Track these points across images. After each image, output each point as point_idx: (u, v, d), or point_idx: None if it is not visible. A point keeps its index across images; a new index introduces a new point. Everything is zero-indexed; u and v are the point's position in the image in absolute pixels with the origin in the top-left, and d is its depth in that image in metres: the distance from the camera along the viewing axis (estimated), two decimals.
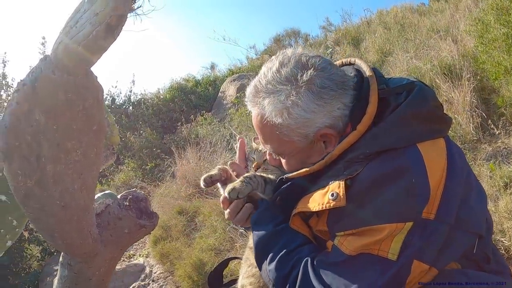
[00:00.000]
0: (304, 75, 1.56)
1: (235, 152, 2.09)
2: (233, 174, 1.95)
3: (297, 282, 1.50)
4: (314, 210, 1.53)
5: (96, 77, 1.46)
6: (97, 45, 1.26)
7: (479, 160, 5.00)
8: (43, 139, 1.37)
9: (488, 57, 6.02)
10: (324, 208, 1.49)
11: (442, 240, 1.40)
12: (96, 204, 1.96)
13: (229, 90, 14.40)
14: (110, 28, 1.19)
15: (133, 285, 6.59)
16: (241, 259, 2.58)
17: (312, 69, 1.57)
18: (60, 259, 2.04)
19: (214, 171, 1.98)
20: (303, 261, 1.53)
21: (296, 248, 1.61)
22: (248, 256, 1.82)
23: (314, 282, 1.45)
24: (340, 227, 1.49)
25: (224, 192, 1.83)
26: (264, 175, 1.83)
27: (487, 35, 6.20)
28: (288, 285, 1.54)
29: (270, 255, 1.64)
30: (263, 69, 1.69)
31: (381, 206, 1.41)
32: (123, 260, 7.59)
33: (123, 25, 1.22)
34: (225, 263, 2.57)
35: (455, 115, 5.75)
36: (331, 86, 1.57)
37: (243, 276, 1.87)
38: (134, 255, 7.85)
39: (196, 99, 15.41)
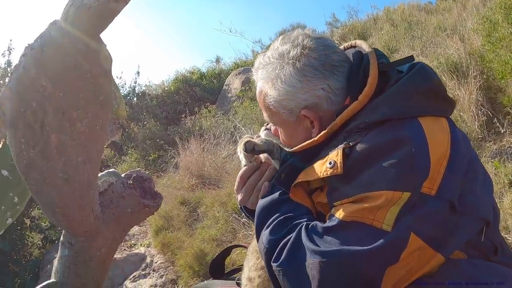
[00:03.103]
0: (292, 52, 1.67)
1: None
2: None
3: (288, 244, 1.46)
4: (313, 179, 1.53)
5: (106, 45, 1.42)
6: (109, 9, 1.22)
7: (484, 157, 4.99)
8: (49, 106, 1.33)
9: (495, 56, 5.97)
10: (322, 177, 1.48)
11: (443, 218, 1.35)
12: (100, 182, 1.92)
13: (234, 83, 14.38)
14: None
15: (134, 274, 6.59)
16: (244, 247, 2.55)
17: (300, 48, 1.66)
18: (61, 238, 2.00)
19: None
20: (299, 226, 1.50)
21: (296, 216, 1.58)
22: (257, 248, 1.76)
23: (306, 242, 1.40)
24: (337, 196, 1.46)
25: (240, 150, 1.84)
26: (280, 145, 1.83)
27: (495, 34, 6.16)
28: (279, 246, 1.49)
29: (269, 221, 1.61)
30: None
31: (378, 173, 1.38)
32: (124, 249, 7.61)
33: None
34: (227, 251, 2.55)
35: (461, 113, 5.73)
36: (316, 65, 1.65)
37: (251, 268, 1.81)
38: (135, 244, 7.85)
39: (201, 92, 15.36)
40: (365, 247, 1.30)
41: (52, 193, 1.56)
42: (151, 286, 6.13)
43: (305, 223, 1.51)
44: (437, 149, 1.38)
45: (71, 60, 1.32)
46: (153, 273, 6.45)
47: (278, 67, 1.68)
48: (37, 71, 1.30)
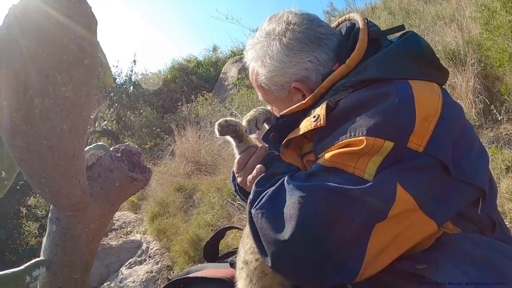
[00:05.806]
0: (277, 28, 1.73)
1: None
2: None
3: (270, 190, 1.45)
4: (299, 134, 1.51)
5: (91, 7, 1.38)
6: None
7: None
8: (32, 68, 1.29)
9: (493, 44, 5.96)
10: (306, 130, 1.48)
11: (434, 178, 1.32)
12: (87, 156, 1.89)
13: (230, 71, 14.39)
14: None
15: (129, 260, 6.59)
16: (238, 228, 2.52)
17: (285, 24, 1.72)
18: (49, 214, 1.98)
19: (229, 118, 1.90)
20: (283, 178, 1.47)
21: (285, 172, 1.54)
22: None
23: (288, 183, 1.38)
24: (321, 148, 1.46)
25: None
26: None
27: (493, 22, 6.14)
28: (261, 195, 1.47)
29: (258, 178, 1.59)
30: None
31: (361, 120, 1.36)
32: (120, 237, 7.61)
33: None
34: (221, 233, 2.53)
35: (458, 100, 5.71)
36: (301, 39, 1.69)
37: (247, 251, 1.76)
38: (131, 231, 7.86)
39: (197, 80, 15.40)
40: (349, 186, 1.28)
41: (36, 162, 1.52)
42: (147, 272, 6.12)
43: (290, 174, 1.48)
44: (425, 105, 1.36)
45: (54, 20, 1.28)
46: (149, 260, 6.45)
47: (266, 44, 1.74)
48: (20, 30, 1.27)
